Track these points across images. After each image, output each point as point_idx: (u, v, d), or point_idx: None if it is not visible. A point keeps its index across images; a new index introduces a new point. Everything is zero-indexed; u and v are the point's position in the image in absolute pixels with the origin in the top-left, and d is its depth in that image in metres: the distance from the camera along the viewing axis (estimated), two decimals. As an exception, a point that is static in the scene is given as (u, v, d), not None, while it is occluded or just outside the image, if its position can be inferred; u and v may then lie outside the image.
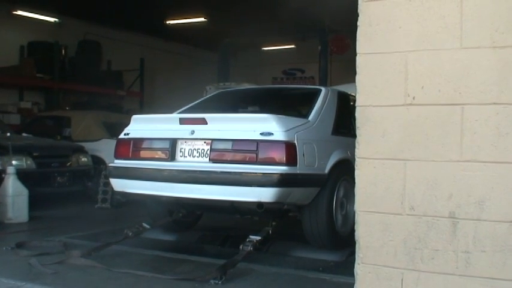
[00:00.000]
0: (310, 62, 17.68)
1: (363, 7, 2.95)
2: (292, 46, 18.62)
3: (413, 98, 2.82)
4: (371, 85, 2.92)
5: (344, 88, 5.99)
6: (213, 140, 4.37)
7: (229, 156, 4.31)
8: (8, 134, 7.51)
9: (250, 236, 4.30)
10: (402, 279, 2.83)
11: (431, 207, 2.76)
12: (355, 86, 3.00)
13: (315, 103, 5.03)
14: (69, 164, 8.03)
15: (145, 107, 15.85)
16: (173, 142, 4.55)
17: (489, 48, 2.66)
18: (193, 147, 4.47)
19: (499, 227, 2.62)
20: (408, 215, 2.81)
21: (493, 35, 2.65)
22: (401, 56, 2.85)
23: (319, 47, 15.73)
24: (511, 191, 2.60)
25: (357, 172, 2.97)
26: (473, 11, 2.70)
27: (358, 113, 2.97)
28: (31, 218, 6.44)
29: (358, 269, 2.96)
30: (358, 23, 2.96)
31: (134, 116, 4.94)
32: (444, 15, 2.76)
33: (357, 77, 2.97)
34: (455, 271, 2.71)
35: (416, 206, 2.79)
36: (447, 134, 2.73)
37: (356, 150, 2.98)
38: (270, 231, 4.43)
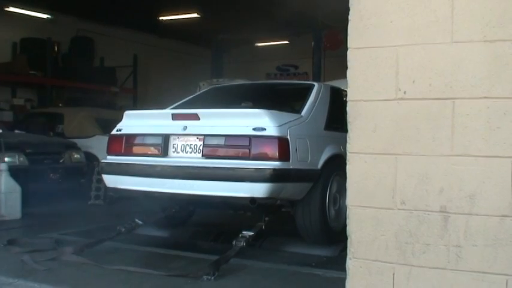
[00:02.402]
0: (304, 57, 17.66)
1: (353, 1, 2.94)
2: (286, 42, 18.60)
3: (405, 92, 2.81)
4: (362, 79, 2.91)
5: (337, 83, 5.98)
6: (205, 135, 4.36)
7: (222, 151, 4.30)
8: (0, 131, 7.49)
9: (243, 232, 4.30)
10: (394, 274, 2.82)
11: (422, 201, 2.75)
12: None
13: (308, 98, 5.04)
14: (62, 160, 8.00)
15: (138, 104, 15.82)
16: (166, 138, 4.54)
17: (480, 42, 2.65)
18: (186, 143, 4.46)
19: (490, 221, 2.62)
20: (399, 209, 2.80)
21: (484, 29, 2.65)
22: (392, 50, 2.83)
23: (313, 43, 15.73)
24: (502, 185, 2.59)
25: (348, 167, 2.96)
26: (464, 5, 2.69)
27: (350, 108, 2.95)
28: (24, 214, 6.41)
29: (350, 263, 2.95)
30: (349, 17, 2.94)
31: (126, 112, 4.92)
32: (435, 9, 2.75)
33: (348, 72, 2.96)
34: (447, 265, 2.70)
35: (408, 201, 2.79)
36: (438, 128, 2.72)
37: (347, 145, 2.97)
38: (263, 227, 4.44)
